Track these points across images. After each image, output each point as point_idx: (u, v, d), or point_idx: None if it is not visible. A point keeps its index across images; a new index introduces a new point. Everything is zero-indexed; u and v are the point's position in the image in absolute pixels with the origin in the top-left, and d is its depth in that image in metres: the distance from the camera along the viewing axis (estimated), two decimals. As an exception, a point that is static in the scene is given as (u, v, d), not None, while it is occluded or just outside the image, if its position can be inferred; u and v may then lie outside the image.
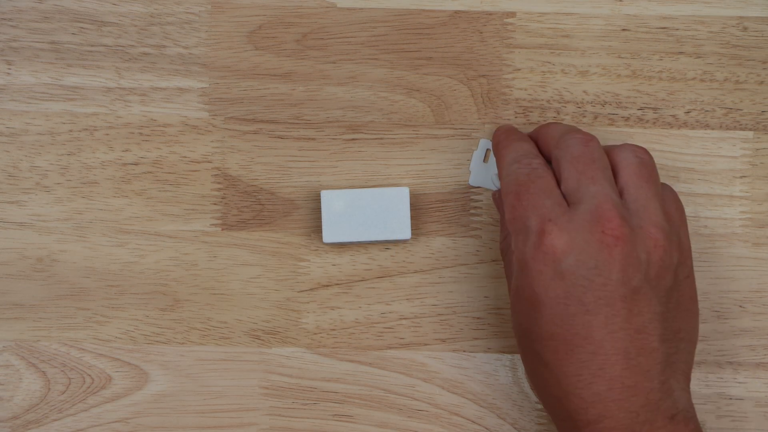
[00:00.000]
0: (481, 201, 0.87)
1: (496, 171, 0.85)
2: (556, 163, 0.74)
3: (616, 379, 0.68)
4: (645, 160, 0.74)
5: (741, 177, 0.86)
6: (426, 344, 0.87)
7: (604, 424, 0.68)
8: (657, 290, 0.70)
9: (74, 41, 0.87)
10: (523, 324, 0.71)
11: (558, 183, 0.73)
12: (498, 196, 0.83)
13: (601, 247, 0.68)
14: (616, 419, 0.68)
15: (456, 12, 0.86)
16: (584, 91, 0.86)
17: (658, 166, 0.86)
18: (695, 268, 0.86)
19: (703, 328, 0.86)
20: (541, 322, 0.69)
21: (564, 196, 0.72)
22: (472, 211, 0.87)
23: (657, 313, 0.69)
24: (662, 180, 0.86)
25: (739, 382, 0.86)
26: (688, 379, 0.72)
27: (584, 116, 0.86)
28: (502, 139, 0.80)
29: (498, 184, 0.84)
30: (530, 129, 0.86)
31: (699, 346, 0.86)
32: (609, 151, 0.75)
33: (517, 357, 0.86)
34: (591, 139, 0.74)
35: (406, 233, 0.83)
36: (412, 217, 0.87)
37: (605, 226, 0.68)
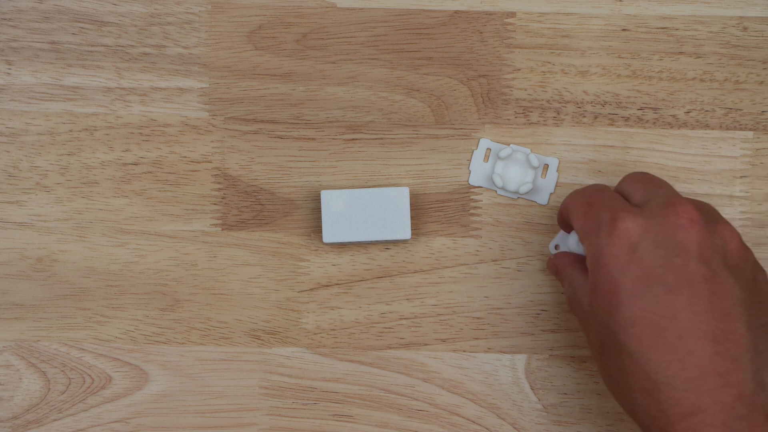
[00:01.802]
0: (481, 201, 0.87)
1: (496, 171, 0.85)
2: (622, 192, 0.74)
3: (707, 365, 0.65)
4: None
5: (741, 177, 0.86)
6: (426, 344, 0.87)
7: (699, 417, 0.64)
8: (738, 277, 0.67)
9: (74, 41, 0.87)
10: (604, 318, 0.68)
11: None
12: (552, 262, 0.81)
13: (677, 228, 0.67)
14: (711, 413, 0.64)
15: (456, 12, 0.86)
16: (584, 91, 0.86)
17: (658, 166, 0.86)
18: (695, 268, 0.86)
19: (703, 328, 0.86)
20: (621, 308, 0.66)
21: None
22: (472, 211, 0.87)
23: (740, 299, 0.66)
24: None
25: (739, 382, 0.86)
26: None
27: (584, 116, 0.86)
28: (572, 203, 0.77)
29: (505, 186, 0.84)
30: (530, 129, 0.86)
31: (699, 346, 0.86)
32: None
33: (518, 357, 0.86)
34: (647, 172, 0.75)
35: (406, 233, 0.83)
36: (412, 217, 0.87)
37: (679, 210, 0.68)
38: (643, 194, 0.72)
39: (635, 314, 0.66)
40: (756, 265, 0.71)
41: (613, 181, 0.86)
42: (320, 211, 0.87)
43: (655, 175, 0.76)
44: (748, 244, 0.86)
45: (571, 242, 0.78)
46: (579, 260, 0.78)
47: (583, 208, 0.72)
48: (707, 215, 0.69)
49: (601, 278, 0.68)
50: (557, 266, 0.80)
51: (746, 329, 0.66)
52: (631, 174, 0.75)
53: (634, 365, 0.66)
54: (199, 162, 0.87)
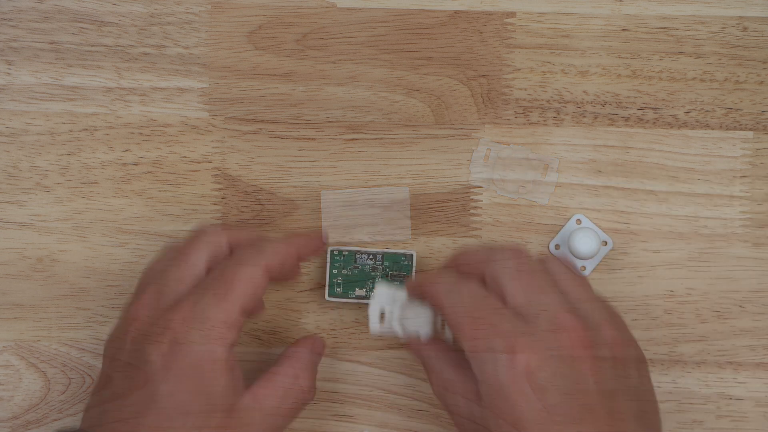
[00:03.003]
0: (481, 201, 0.87)
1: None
2: (495, 282, 0.73)
3: None
4: (562, 261, 0.76)
5: (741, 177, 0.86)
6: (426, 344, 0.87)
7: None
8: (627, 381, 0.70)
9: (74, 41, 0.87)
10: None
11: (503, 300, 0.72)
12: (415, 346, 0.79)
13: (573, 360, 0.69)
14: None
15: (456, 12, 0.86)
16: (584, 91, 0.86)
17: (658, 166, 0.86)
18: (695, 268, 0.86)
19: (703, 328, 0.86)
20: None
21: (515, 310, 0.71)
22: (472, 211, 0.87)
23: (634, 413, 0.69)
24: (662, 180, 0.86)
25: (739, 382, 0.86)
26: None
27: (584, 116, 0.86)
28: (426, 285, 0.76)
29: (407, 330, 0.79)
30: (530, 129, 0.86)
31: (699, 346, 0.86)
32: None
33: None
34: (521, 251, 0.74)
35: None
36: (412, 217, 0.87)
37: (571, 335, 0.69)
38: (524, 301, 0.71)
39: None
40: (639, 358, 0.73)
41: (613, 181, 0.86)
42: (320, 211, 0.87)
43: (527, 255, 0.75)
44: (748, 245, 0.86)
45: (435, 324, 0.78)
46: (445, 352, 0.77)
47: (469, 325, 0.72)
48: (591, 327, 0.70)
49: (504, 410, 0.69)
50: (421, 353, 0.78)
51: None
52: (502, 255, 0.74)
53: None
54: (199, 162, 0.87)
